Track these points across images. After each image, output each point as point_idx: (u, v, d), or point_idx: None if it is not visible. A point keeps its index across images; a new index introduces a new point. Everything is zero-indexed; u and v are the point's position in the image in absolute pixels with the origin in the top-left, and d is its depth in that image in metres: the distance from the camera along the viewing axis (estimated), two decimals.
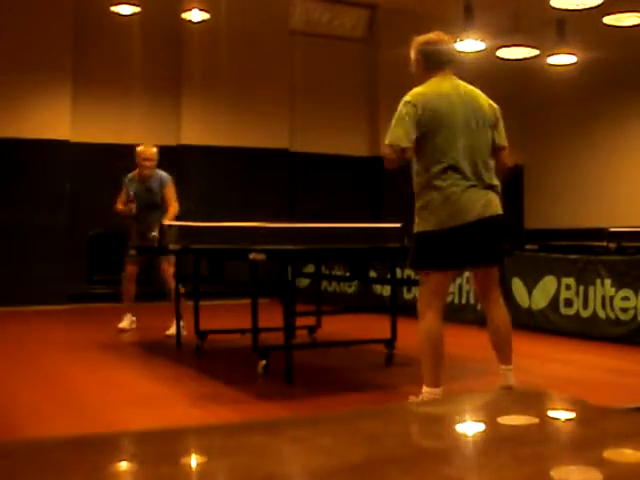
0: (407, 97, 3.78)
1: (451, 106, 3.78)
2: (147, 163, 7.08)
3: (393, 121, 3.74)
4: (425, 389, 3.73)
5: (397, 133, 3.69)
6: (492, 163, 3.90)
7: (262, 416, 3.75)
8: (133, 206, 7.05)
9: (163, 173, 7.18)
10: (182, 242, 6.48)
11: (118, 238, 8.64)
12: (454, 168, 3.72)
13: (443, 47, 3.93)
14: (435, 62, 3.89)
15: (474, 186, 3.74)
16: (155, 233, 6.78)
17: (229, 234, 7.59)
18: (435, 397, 3.64)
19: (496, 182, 3.88)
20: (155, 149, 7.22)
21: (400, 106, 3.76)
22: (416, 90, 3.81)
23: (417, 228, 3.81)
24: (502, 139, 3.95)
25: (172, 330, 6.67)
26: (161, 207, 7.04)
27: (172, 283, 6.75)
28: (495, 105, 3.98)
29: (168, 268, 6.92)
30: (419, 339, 3.75)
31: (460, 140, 3.75)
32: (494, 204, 3.81)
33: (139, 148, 7.21)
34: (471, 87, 3.94)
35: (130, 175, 7.27)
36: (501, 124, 3.97)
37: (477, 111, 3.85)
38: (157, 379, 4.93)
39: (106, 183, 9.90)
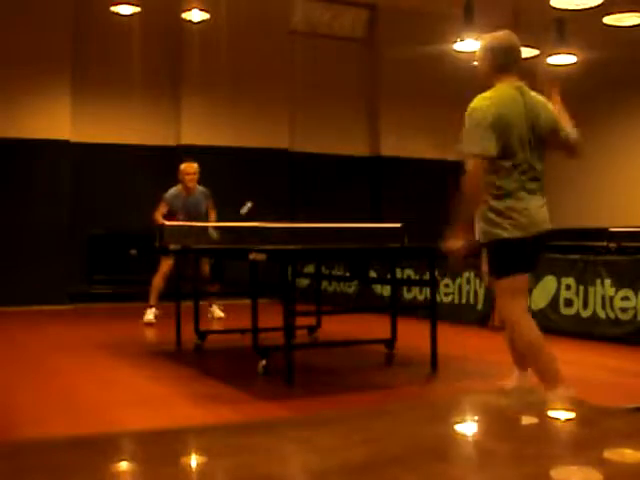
0: (475, 103, 3.67)
1: (518, 113, 3.67)
2: (191, 177, 7.90)
3: (468, 129, 3.62)
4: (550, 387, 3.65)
5: (481, 141, 3.57)
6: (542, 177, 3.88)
7: (262, 416, 3.75)
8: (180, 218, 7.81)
9: (203, 187, 8.02)
10: (182, 242, 6.49)
11: (118, 238, 8.65)
12: (529, 176, 3.71)
13: (512, 46, 3.78)
14: (503, 62, 3.75)
15: (541, 197, 3.81)
16: (213, 232, 7.67)
17: (229, 234, 7.60)
18: (566, 392, 3.58)
19: None
20: (196, 165, 8.01)
21: (470, 113, 3.65)
22: (483, 96, 3.70)
23: (495, 235, 3.70)
24: (566, 129, 3.82)
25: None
26: (203, 218, 7.88)
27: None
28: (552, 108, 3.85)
29: (205, 270, 7.39)
30: (524, 347, 3.78)
31: (527, 148, 3.69)
32: (547, 219, 3.84)
33: (182, 165, 7.97)
34: (533, 93, 3.81)
35: (172, 191, 7.92)
36: (560, 121, 3.82)
37: (536, 121, 3.75)
38: (157, 379, 4.93)
39: (106, 183, 9.92)
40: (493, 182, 3.66)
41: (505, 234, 3.65)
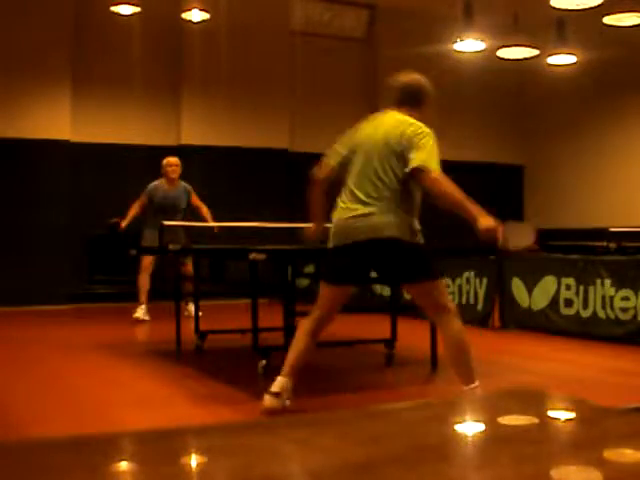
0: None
1: (363, 137, 4.02)
2: (174, 168, 8.11)
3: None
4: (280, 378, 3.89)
5: (328, 156, 4.12)
6: (390, 189, 3.80)
7: (262, 416, 3.75)
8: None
9: (185, 183, 8.21)
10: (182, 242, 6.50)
11: (118, 238, 8.66)
12: (351, 192, 3.88)
13: (400, 86, 4.14)
14: (393, 98, 4.14)
15: (357, 210, 3.82)
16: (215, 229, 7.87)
17: (229, 234, 7.60)
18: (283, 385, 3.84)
19: (375, 208, 3.81)
20: (178, 159, 8.26)
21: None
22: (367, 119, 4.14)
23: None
24: (414, 160, 3.72)
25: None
26: (182, 211, 8.05)
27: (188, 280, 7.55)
28: (411, 130, 3.85)
29: (186, 269, 7.57)
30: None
31: (359, 168, 3.91)
32: (379, 228, 3.77)
33: (165, 160, 8.17)
34: (397, 118, 3.96)
35: (155, 183, 8.13)
36: (413, 148, 3.77)
37: (382, 141, 3.88)
38: (157, 379, 4.93)
39: (106, 183, 9.92)
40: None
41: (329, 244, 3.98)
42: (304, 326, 3.97)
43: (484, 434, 0.88)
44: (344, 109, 11.64)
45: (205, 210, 8.22)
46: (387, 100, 4.17)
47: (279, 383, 3.84)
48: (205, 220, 8.12)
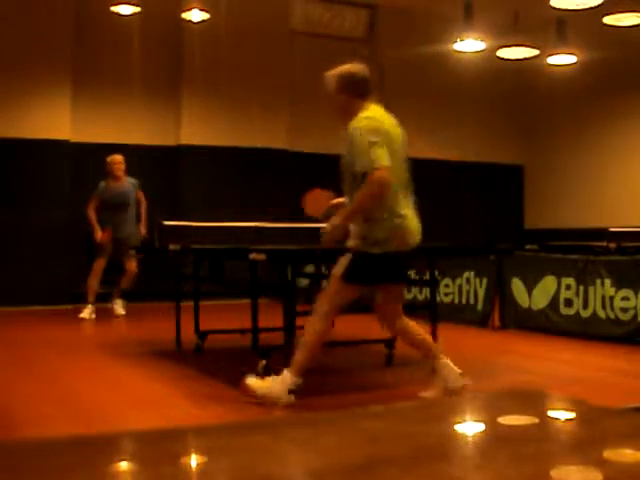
0: (364, 123, 3.85)
1: (392, 134, 3.97)
2: (119, 165, 8.45)
3: (363, 147, 3.76)
4: (287, 374, 4.00)
5: (381, 154, 3.72)
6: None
7: (262, 416, 3.75)
8: (101, 235, 8.42)
9: (132, 178, 8.54)
10: (182, 242, 6.49)
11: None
12: (401, 195, 3.99)
13: (366, 76, 4.16)
14: (366, 90, 4.09)
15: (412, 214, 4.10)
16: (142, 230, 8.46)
17: (229, 234, 7.61)
18: (295, 386, 3.98)
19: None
20: (121, 156, 8.56)
21: (362, 132, 3.82)
22: (367, 114, 3.92)
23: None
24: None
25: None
26: (132, 206, 8.41)
27: (130, 278, 8.36)
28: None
29: (130, 265, 8.31)
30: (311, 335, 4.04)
31: (396, 167, 3.91)
32: (419, 232, 4.12)
33: (109, 158, 8.52)
34: (392, 118, 4.11)
35: (102, 184, 8.51)
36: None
37: (402, 143, 4.08)
38: (157, 379, 4.93)
39: None
40: None
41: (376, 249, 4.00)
42: (323, 327, 4.04)
43: (484, 434, 0.88)
44: None
45: (143, 206, 8.54)
46: (352, 90, 4.10)
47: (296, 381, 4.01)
48: (141, 215, 8.54)
